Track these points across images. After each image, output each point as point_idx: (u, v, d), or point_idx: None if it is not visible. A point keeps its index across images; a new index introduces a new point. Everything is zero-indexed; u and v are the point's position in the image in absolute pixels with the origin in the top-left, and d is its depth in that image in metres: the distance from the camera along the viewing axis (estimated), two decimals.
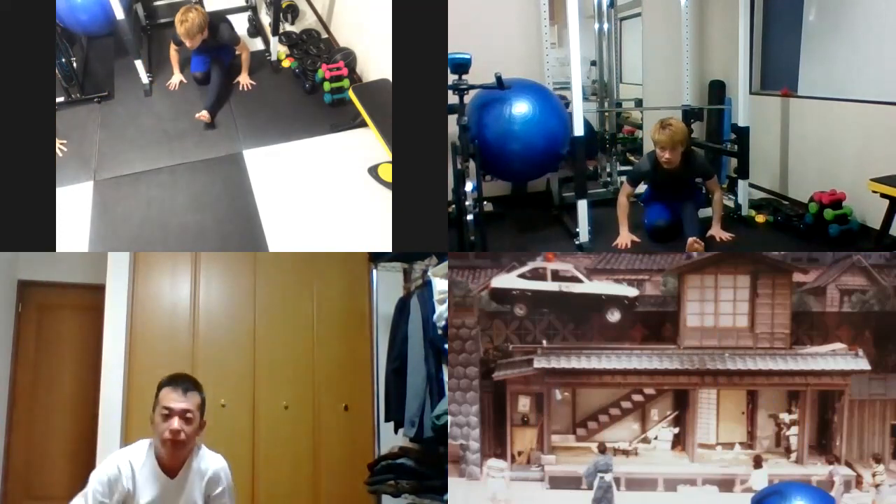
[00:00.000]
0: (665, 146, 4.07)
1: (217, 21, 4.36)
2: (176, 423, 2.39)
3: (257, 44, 5.06)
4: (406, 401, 3.67)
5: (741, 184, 4.66)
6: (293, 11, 5.19)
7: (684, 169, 4.18)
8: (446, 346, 3.79)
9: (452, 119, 3.84)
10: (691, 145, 4.38)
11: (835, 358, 4.44)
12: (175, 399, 2.42)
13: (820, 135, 4.70)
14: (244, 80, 4.64)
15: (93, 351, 4.47)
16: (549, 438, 4.51)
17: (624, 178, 5.07)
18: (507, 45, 4.98)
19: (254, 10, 5.21)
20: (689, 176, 4.25)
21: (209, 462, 2.51)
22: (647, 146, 4.73)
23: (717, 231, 4.29)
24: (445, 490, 3.56)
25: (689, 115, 4.87)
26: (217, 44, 4.42)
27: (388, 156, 3.39)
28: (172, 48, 4.59)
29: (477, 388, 4.41)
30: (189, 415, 2.42)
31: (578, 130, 4.18)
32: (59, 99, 4.36)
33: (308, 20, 5.27)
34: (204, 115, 4.24)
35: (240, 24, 5.09)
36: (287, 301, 4.50)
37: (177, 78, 4.64)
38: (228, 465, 2.57)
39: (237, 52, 4.64)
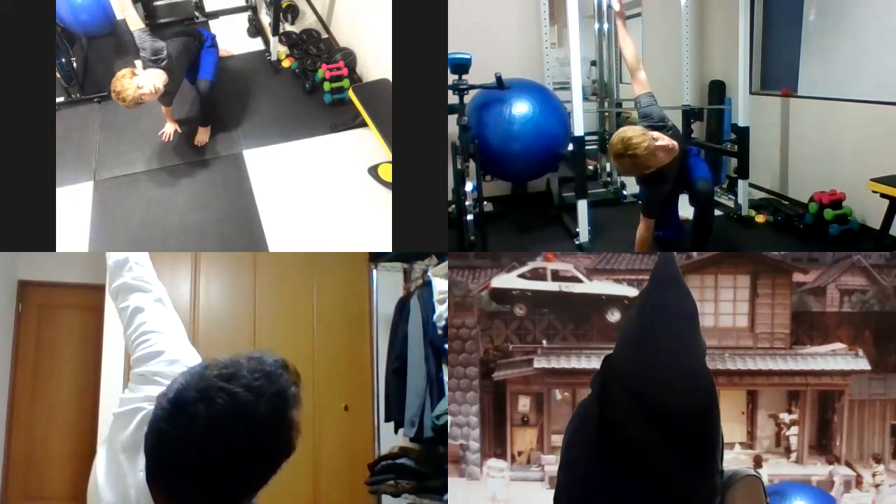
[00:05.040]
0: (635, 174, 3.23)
1: (149, 58, 3.58)
2: None
3: (257, 44, 5.05)
4: (406, 401, 3.67)
5: (741, 184, 4.66)
6: (293, 11, 5.18)
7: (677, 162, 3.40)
8: (446, 346, 3.79)
9: (452, 119, 3.84)
10: (686, 146, 3.62)
11: (835, 358, 4.45)
12: None
13: (820, 135, 4.70)
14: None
15: (93, 351, 4.47)
16: (549, 438, 4.52)
17: (623, 178, 5.09)
18: (507, 45, 4.98)
19: (254, 10, 5.20)
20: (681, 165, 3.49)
21: None
22: None
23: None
24: (445, 490, 3.57)
25: (689, 115, 4.87)
26: (181, 61, 3.69)
27: (388, 156, 3.39)
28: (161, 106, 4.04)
29: (477, 388, 4.41)
30: None
31: (578, 130, 4.18)
32: (59, 99, 4.35)
33: (308, 20, 5.26)
34: (201, 138, 4.09)
35: (240, 24, 5.09)
36: (287, 301, 4.50)
37: (170, 128, 4.13)
38: None
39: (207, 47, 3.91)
